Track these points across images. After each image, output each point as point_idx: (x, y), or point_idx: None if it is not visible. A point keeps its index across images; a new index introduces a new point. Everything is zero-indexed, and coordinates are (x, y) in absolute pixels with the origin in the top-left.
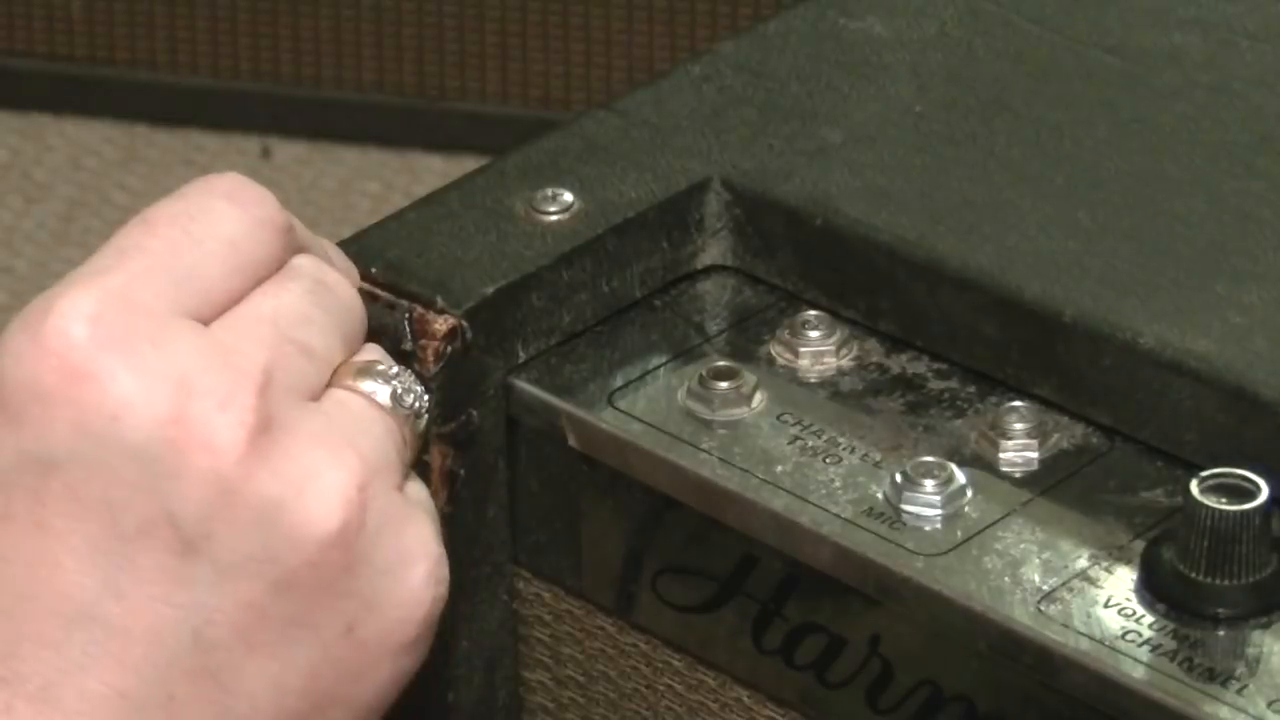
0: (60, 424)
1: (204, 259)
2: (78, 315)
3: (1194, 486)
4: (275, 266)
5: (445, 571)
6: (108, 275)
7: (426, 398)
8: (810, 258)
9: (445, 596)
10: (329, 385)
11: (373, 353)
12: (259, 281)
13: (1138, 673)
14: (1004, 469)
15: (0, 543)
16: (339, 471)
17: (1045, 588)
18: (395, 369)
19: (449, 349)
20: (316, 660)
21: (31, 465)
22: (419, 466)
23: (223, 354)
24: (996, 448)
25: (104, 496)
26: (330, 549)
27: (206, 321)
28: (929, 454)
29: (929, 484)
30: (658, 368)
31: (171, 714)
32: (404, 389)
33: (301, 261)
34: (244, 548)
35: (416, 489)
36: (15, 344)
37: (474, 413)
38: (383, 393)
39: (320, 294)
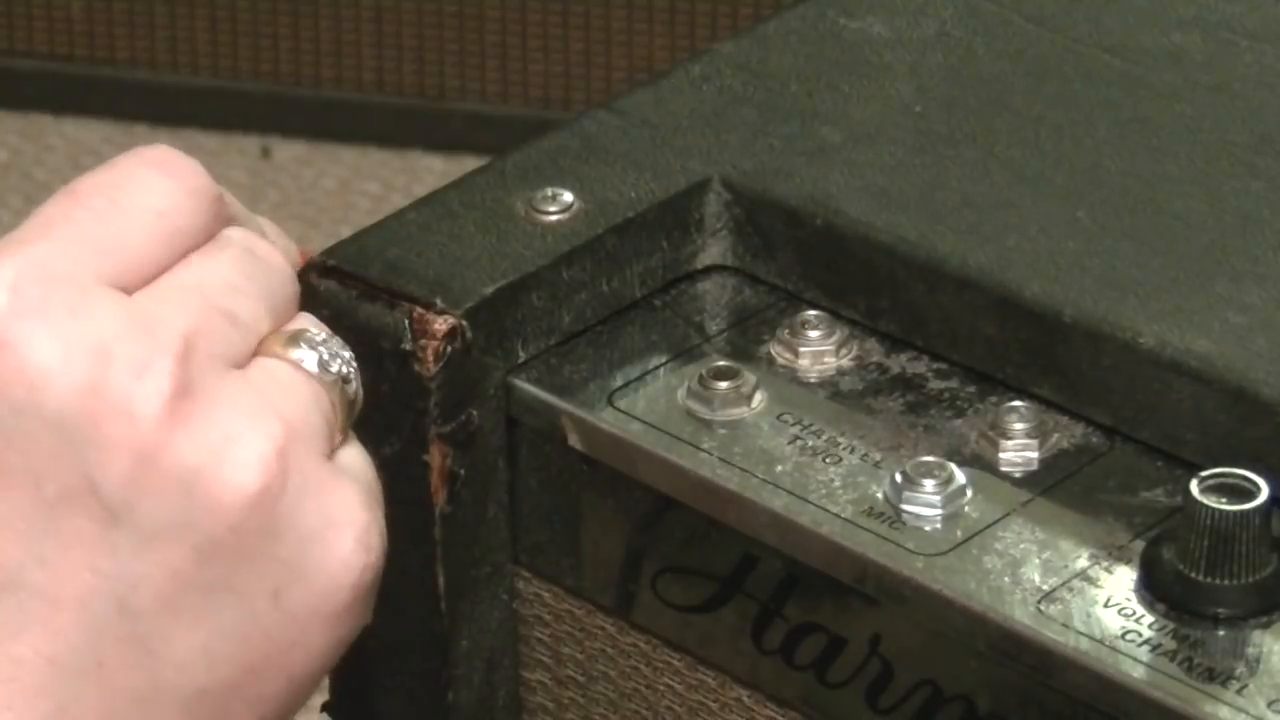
0: None
1: (129, 228)
2: None
3: (1194, 486)
4: (205, 237)
5: (376, 539)
6: (29, 245)
7: (355, 363)
8: (810, 258)
9: (378, 564)
10: (257, 354)
11: (303, 321)
12: (187, 252)
13: (1138, 673)
14: (1004, 469)
15: None
16: (258, 437)
17: (1045, 588)
18: (323, 335)
19: (449, 349)
20: (245, 628)
21: None
22: (419, 466)
23: (143, 322)
24: (996, 448)
25: (27, 465)
26: (250, 514)
27: (131, 291)
28: (929, 454)
29: (929, 484)
30: (658, 368)
31: (100, 680)
32: (330, 354)
33: (231, 232)
34: (164, 514)
35: (351, 455)
36: None
37: (474, 413)
38: (310, 359)
39: (248, 263)
